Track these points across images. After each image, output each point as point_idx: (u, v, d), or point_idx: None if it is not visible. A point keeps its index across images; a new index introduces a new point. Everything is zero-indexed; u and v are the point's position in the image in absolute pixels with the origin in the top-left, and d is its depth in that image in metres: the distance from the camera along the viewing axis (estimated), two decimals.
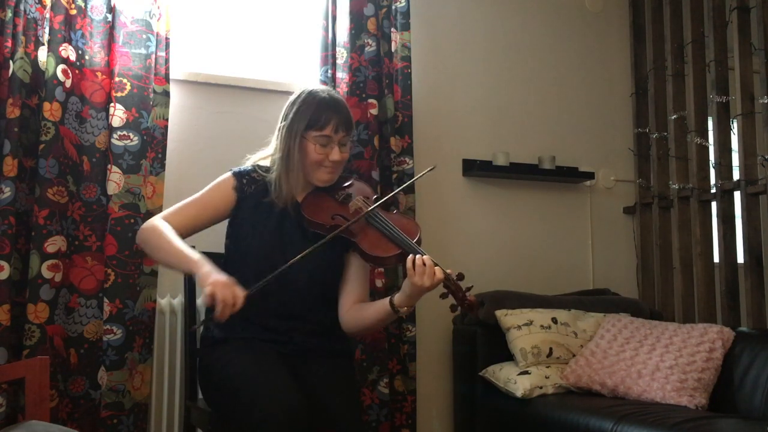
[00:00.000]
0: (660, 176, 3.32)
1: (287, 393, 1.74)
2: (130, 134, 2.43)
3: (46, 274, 2.24)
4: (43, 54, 2.31)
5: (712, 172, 3.12)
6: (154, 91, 2.47)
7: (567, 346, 2.70)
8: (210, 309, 1.77)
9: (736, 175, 3.00)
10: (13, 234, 2.21)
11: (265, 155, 2.12)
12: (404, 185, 2.24)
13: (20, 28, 2.27)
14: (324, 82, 2.73)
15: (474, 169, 3.13)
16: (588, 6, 3.51)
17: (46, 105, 2.28)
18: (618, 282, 3.35)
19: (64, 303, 2.33)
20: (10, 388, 2.18)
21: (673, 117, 3.25)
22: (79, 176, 2.39)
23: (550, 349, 2.66)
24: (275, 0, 2.93)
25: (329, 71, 2.74)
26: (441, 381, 3.01)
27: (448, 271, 1.85)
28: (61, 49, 2.32)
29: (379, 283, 2.70)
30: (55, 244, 2.27)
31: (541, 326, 2.71)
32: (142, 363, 2.38)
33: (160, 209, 2.45)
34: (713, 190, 3.07)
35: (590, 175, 3.34)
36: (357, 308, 2.01)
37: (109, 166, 2.41)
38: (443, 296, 1.89)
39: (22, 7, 2.27)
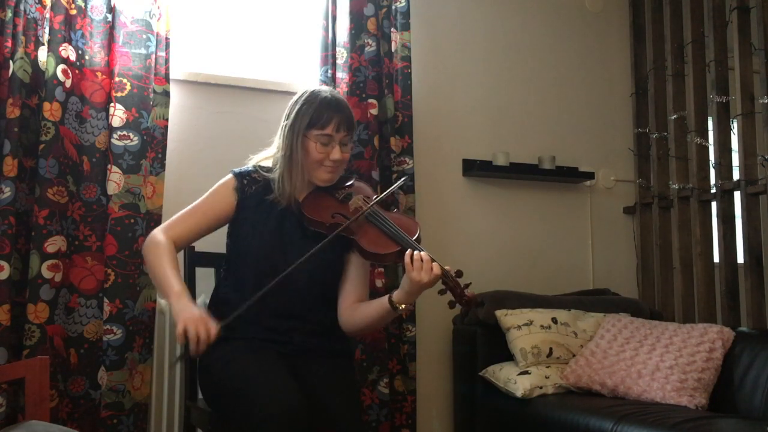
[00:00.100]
0: (660, 176, 3.32)
1: (287, 393, 1.75)
2: (130, 134, 2.43)
3: (46, 274, 2.24)
4: (43, 54, 2.31)
5: (712, 172, 3.12)
6: (154, 91, 2.47)
7: (567, 346, 2.70)
8: (185, 345, 1.79)
9: (736, 175, 3.00)
10: (13, 234, 2.21)
11: (267, 155, 2.13)
12: (397, 184, 2.17)
13: (20, 28, 2.27)
14: (324, 82, 2.73)
15: (474, 169, 3.13)
16: (588, 6, 3.51)
17: (46, 105, 2.28)
18: (618, 282, 3.35)
19: (64, 303, 2.33)
20: (10, 388, 2.18)
21: (673, 117, 3.25)
22: (79, 176, 2.39)
23: (550, 349, 2.66)
24: (275, 0, 2.93)
25: (329, 71, 2.74)
26: (441, 381, 3.01)
27: (447, 267, 1.86)
28: (61, 49, 2.32)
29: (379, 283, 2.70)
30: (55, 244, 2.27)
31: (541, 326, 2.71)
32: (142, 363, 2.38)
33: (160, 209, 2.45)
34: (713, 190, 3.07)
35: (590, 175, 3.34)
36: (356, 307, 2.02)
37: (109, 166, 2.41)
38: (441, 292, 1.89)
39: (22, 7, 2.27)
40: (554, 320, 2.75)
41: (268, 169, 2.09)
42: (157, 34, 2.49)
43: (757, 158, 2.91)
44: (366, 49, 2.79)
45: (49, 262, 2.25)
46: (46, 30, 2.32)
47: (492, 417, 2.71)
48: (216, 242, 2.13)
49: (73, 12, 2.39)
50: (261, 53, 2.89)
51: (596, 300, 3.00)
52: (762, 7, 2.92)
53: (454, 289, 1.86)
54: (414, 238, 1.93)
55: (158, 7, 2.49)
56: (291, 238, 2.02)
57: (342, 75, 2.77)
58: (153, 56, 2.47)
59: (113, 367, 2.33)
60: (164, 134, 2.49)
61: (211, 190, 2.09)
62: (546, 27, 3.41)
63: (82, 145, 2.40)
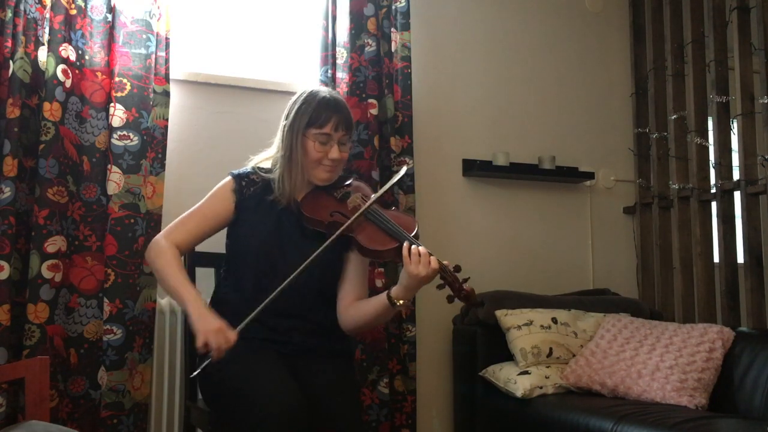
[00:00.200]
0: (660, 176, 3.32)
1: (287, 393, 1.75)
2: (130, 134, 2.43)
3: (46, 274, 2.24)
4: (43, 54, 2.31)
5: (712, 172, 3.12)
6: (154, 91, 2.47)
7: (567, 346, 2.70)
8: (205, 354, 1.81)
9: (736, 175, 3.00)
10: (13, 234, 2.21)
11: (267, 156, 2.14)
12: (396, 177, 2.16)
13: (20, 28, 2.27)
14: (324, 82, 2.73)
15: (474, 169, 3.13)
16: (588, 6, 3.51)
17: (46, 105, 2.28)
18: (618, 282, 3.35)
19: (64, 303, 2.33)
20: (10, 388, 2.18)
21: (673, 117, 3.25)
22: (79, 176, 2.39)
23: (550, 349, 2.66)
24: (275, 0, 2.93)
25: (329, 71, 2.74)
26: (441, 381, 3.01)
27: (445, 262, 1.87)
28: (61, 49, 2.32)
29: (379, 283, 2.69)
30: (55, 244, 2.27)
31: (541, 326, 2.71)
32: (142, 363, 2.38)
33: (160, 209, 2.45)
34: (713, 190, 3.07)
35: (590, 175, 3.34)
36: (355, 305, 2.03)
37: (109, 166, 2.40)
38: (440, 287, 1.89)
39: (22, 7, 2.27)
40: (554, 320, 2.75)
41: (267, 170, 2.10)
42: (157, 34, 2.49)
43: (757, 158, 2.91)
44: (366, 49, 2.79)
45: (49, 262, 2.25)
46: (46, 30, 2.31)
47: (492, 417, 2.71)
48: (216, 242, 2.13)
49: (73, 12, 2.39)
50: (261, 53, 2.89)
51: (596, 300, 3.00)
52: (762, 7, 2.92)
53: (452, 283, 1.87)
54: (412, 234, 1.94)
55: (158, 7, 2.49)
56: (290, 238, 2.03)
57: (342, 75, 2.77)
58: (153, 56, 2.47)
59: (113, 367, 2.33)
60: (164, 134, 2.49)
61: (210, 193, 2.10)
62: (546, 27, 3.41)
63: (82, 145, 2.40)
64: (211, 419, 1.99)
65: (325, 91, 2.08)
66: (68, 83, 2.35)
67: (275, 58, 2.91)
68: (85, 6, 2.42)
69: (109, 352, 2.33)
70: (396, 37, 2.89)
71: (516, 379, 2.54)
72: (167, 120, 2.49)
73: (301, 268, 1.86)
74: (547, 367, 2.61)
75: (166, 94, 2.50)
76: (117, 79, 2.43)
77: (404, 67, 2.89)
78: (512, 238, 3.24)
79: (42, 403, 1.84)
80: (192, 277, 2.26)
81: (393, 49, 2.88)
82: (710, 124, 3.17)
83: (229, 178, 2.10)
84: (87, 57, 2.42)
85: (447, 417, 3.00)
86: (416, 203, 2.87)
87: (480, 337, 2.80)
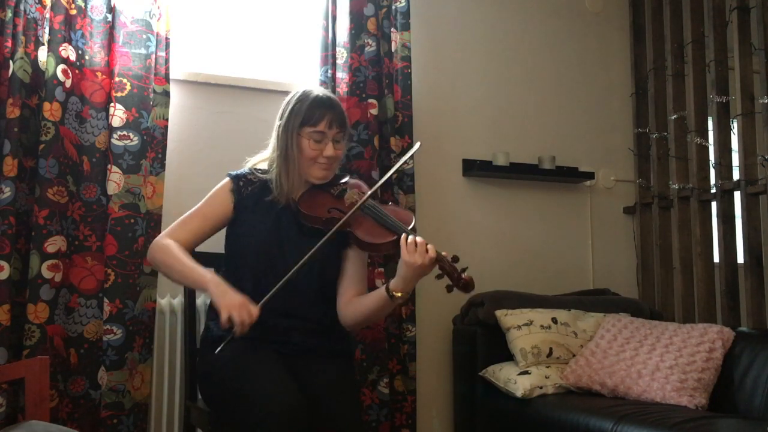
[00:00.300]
0: (660, 176, 3.32)
1: (287, 393, 1.75)
2: (130, 134, 2.43)
3: (46, 274, 2.24)
4: (43, 54, 2.31)
5: (712, 172, 3.12)
6: (154, 91, 2.47)
7: (567, 346, 2.70)
8: (229, 329, 1.82)
9: (736, 175, 3.00)
10: (13, 234, 2.21)
11: (263, 158, 2.17)
12: (400, 162, 2.13)
13: (20, 28, 2.27)
14: (324, 82, 2.73)
15: (474, 169, 3.13)
16: (588, 6, 3.51)
17: (46, 105, 2.28)
18: (618, 282, 3.35)
19: (64, 303, 2.33)
20: (10, 388, 2.18)
21: (673, 117, 3.25)
22: (79, 176, 2.39)
23: (550, 349, 2.66)
24: (275, 0, 2.93)
25: (329, 71, 2.74)
26: (441, 381, 3.01)
27: (443, 252, 1.87)
28: (61, 49, 2.32)
29: (378, 283, 2.69)
30: (55, 244, 2.27)
31: (541, 326, 2.71)
32: (142, 363, 2.38)
33: (160, 209, 2.45)
34: (713, 190, 3.07)
35: (590, 175, 3.34)
36: (355, 301, 2.04)
37: (109, 166, 2.41)
38: (438, 277, 1.90)
39: (22, 7, 2.27)
40: (554, 320, 2.75)
41: (264, 171, 2.12)
42: (157, 34, 2.49)
43: (757, 158, 2.91)
44: (366, 49, 2.79)
45: (49, 262, 2.25)
46: (46, 30, 2.32)
47: (492, 417, 2.71)
48: (216, 243, 2.13)
49: (73, 12, 2.39)
50: (261, 53, 2.89)
51: (596, 300, 3.00)
52: (762, 7, 2.92)
53: (451, 273, 1.87)
54: (410, 227, 1.95)
55: (158, 7, 2.49)
56: (289, 236, 2.04)
57: (342, 75, 2.77)
58: (153, 56, 2.47)
59: (113, 367, 2.33)
60: (164, 134, 2.49)
61: (208, 194, 2.11)
62: (546, 27, 3.41)
63: (82, 145, 2.40)
64: (211, 419, 1.99)
65: (318, 90, 2.11)
66: (68, 83, 2.35)
67: (275, 58, 2.91)
68: (85, 6, 2.42)
69: (109, 352, 2.33)
70: (396, 37, 2.89)
71: (516, 379, 2.54)
72: (167, 120, 2.50)
73: (309, 255, 1.87)
74: (547, 367, 2.61)
75: (166, 94, 2.50)
76: (117, 79, 2.43)
77: (404, 67, 2.89)
78: (512, 238, 3.24)
79: (42, 403, 1.84)
80: None
81: (393, 49, 2.88)
82: (710, 124, 3.17)
83: (227, 179, 2.12)
84: (87, 57, 2.42)
85: (447, 417, 3.00)
86: (416, 203, 2.87)
87: (480, 337, 2.80)
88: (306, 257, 1.87)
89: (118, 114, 2.42)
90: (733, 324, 2.89)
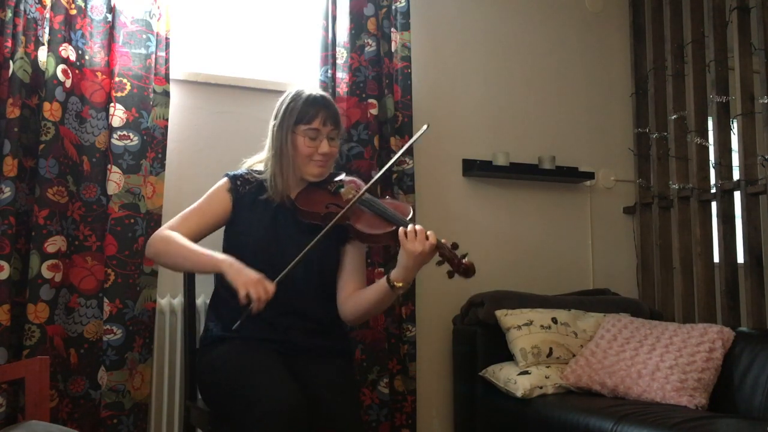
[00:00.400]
0: (660, 176, 3.32)
1: (286, 392, 1.75)
2: (130, 134, 2.43)
3: (46, 274, 2.24)
4: (43, 54, 2.31)
5: (712, 172, 3.12)
6: (154, 91, 2.47)
7: (567, 346, 2.69)
8: (246, 305, 1.82)
9: (736, 175, 3.00)
10: (13, 234, 2.21)
11: (259, 159, 2.18)
12: (409, 142, 2.17)
13: (20, 28, 2.27)
14: (324, 82, 2.73)
15: (474, 169, 3.13)
16: (588, 6, 3.51)
17: (46, 105, 2.28)
18: (618, 282, 3.35)
19: (64, 303, 2.33)
20: (10, 388, 2.18)
21: (673, 117, 3.25)
22: (79, 176, 2.39)
23: (550, 349, 2.66)
24: (275, 0, 2.93)
25: (329, 71, 2.74)
26: (441, 381, 3.01)
27: (443, 240, 1.88)
28: (61, 49, 2.32)
29: None
30: (55, 244, 2.27)
31: (541, 326, 2.71)
32: (142, 363, 2.38)
33: (160, 209, 2.45)
34: (713, 190, 3.07)
35: (590, 175, 3.34)
36: (355, 294, 2.05)
37: (109, 166, 2.41)
38: (439, 263, 1.91)
39: (22, 7, 2.27)
40: (554, 320, 2.75)
41: (260, 172, 2.14)
42: (157, 34, 2.49)
43: (757, 158, 2.91)
44: (366, 49, 2.79)
45: (49, 262, 2.25)
46: (46, 30, 2.31)
47: (492, 417, 2.71)
48: (216, 243, 2.13)
49: (73, 12, 2.39)
50: (261, 53, 2.89)
51: (596, 300, 3.00)
52: (762, 7, 2.92)
53: (451, 259, 1.89)
54: (408, 219, 1.96)
55: (158, 7, 2.49)
56: (287, 233, 2.05)
57: (342, 75, 2.77)
58: (153, 56, 2.47)
59: (113, 367, 2.33)
60: (164, 134, 2.49)
61: (207, 193, 2.12)
62: (546, 27, 3.41)
63: (82, 145, 2.40)
64: (211, 419, 1.99)
65: (311, 89, 2.13)
66: (68, 83, 2.35)
67: (275, 58, 2.91)
68: (85, 6, 2.42)
69: (109, 352, 2.33)
70: (396, 37, 2.89)
71: (516, 379, 2.54)
72: (167, 120, 2.50)
73: (309, 247, 1.88)
74: (547, 367, 2.61)
75: (166, 94, 2.50)
76: (117, 79, 2.43)
77: (404, 67, 2.89)
78: (512, 238, 3.24)
79: (42, 403, 1.84)
80: (192, 277, 2.26)
81: (393, 49, 2.88)
82: (710, 124, 3.17)
83: (224, 179, 2.13)
84: (87, 57, 2.42)
85: (447, 417, 3.00)
86: (416, 203, 2.87)
87: (480, 337, 2.80)
88: (315, 240, 1.88)
89: (118, 114, 2.42)
90: (733, 324, 2.89)
